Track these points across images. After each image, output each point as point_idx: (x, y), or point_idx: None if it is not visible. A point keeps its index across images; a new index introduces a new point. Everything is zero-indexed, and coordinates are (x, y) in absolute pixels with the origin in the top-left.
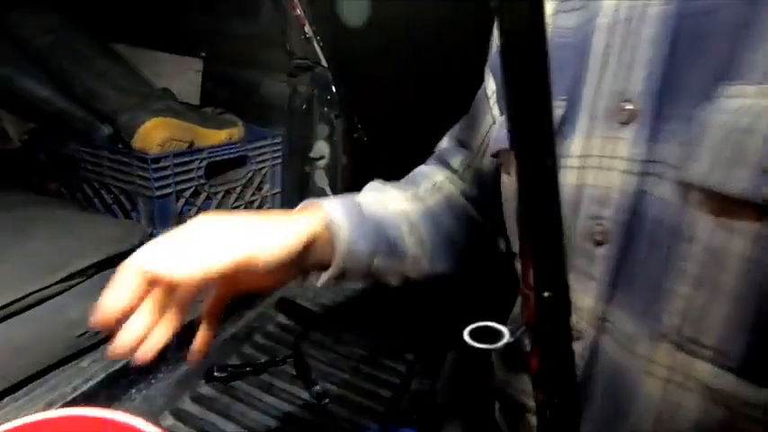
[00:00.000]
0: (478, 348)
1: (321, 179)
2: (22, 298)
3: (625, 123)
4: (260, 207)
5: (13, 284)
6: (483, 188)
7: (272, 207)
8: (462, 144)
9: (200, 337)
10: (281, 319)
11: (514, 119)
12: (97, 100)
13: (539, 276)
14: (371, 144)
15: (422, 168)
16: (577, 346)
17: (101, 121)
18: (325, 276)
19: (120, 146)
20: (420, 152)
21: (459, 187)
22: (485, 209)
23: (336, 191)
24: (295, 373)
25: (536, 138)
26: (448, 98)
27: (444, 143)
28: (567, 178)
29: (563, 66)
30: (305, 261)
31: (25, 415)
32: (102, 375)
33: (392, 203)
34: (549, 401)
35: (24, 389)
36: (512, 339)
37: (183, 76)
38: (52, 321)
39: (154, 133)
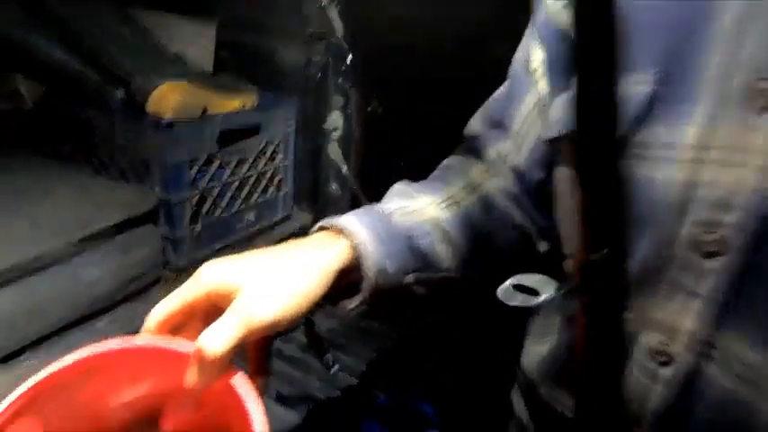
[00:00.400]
0: (512, 306)
1: (334, 151)
2: (38, 257)
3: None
4: (272, 177)
5: (29, 245)
6: (522, 180)
7: (285, 178)
8: (498, 125)
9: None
10: None
11: (581, 86)
12: (111, 63)
13: (587, 239)
14: (386, 117)
15: (453, 162)
16: (666, 371)
17: (115, 85)
18: (355, 301)
19: (133, 111)
20: (434, 126)
21: (495, 184)
22: (525, 205)
23: (350, 163)
24: (306, 341)
25: (598, 108)
26: (464, 71)
27: (477, 126)
28: (673, 174)
29: (647, 32)
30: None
31: None
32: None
33: (423, 211)
34: (591, 372)
35: (41, 348)
36: (544, 300)
37: (196, 42)
38: (68, 282)
39: (169, 96)
